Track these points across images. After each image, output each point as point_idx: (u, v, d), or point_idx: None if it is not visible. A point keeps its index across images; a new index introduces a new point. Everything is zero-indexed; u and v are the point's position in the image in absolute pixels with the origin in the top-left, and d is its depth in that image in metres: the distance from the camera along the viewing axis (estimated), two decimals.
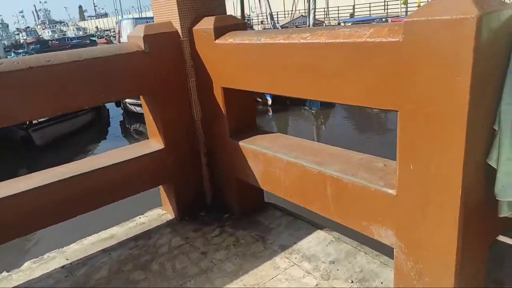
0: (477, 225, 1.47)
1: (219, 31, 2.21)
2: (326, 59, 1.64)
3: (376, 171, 1.74)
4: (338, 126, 12.12)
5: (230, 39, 2.13)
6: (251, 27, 22.17)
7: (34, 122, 11.22)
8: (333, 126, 12.25)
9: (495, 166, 1.36)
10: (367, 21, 21.65)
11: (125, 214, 2.83)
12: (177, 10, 2.30)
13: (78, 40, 54.44)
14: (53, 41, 55.06)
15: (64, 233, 3.40)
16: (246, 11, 35.25)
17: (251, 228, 2.48)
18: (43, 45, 50.01)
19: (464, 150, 1.27)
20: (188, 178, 2.63)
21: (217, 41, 2.20)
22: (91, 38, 55.21)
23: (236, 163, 2.40)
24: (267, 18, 15.39)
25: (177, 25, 2.36)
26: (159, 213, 2.80)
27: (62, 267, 2.27)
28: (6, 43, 61.12)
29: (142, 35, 2.24)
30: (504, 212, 1.43)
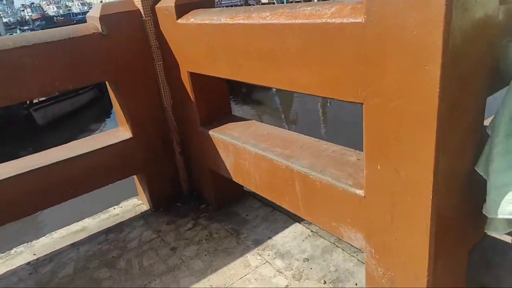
0: (454, 231, 1.30)
1: (181, 9, 1.99)
2: (285, 42, 1.43)
3: (347, 167, 1.56)
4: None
5: (192, 18, 1.92)
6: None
7: (35, 101, 11.17)
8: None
9: (484, 176, 1.17)
10: None
11: (104, 203, 2.74)
12: None
13: (83, 16, 53.69)
14: (58, 17, 54.45)
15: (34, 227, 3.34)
16: None
17: (227, 221, 2.34)
18: (48, 22, 49.49)
19: (434, 151, 1.09)
20: (161, 168, 2.49)
21: (179, 20, 1.99)
22: None
23: (208, 153, 2.24)
24: None
25: (138, 3, 2.14)
26: (135, 203, 2.68)
27: (28, 263, 2.18)
28: (11, 19, 60.76)
29: (99, 16, 2.04)
30: (491, 230, 1.24)
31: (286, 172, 1.70)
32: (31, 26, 42.66)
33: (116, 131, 2.43)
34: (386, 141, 1.21)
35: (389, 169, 1.24)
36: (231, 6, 19.93)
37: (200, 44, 1.92)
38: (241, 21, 1.60)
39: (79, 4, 68.74)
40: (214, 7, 2.13)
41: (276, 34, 1.46)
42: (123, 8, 2.12)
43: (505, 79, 1.16)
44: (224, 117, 2.30)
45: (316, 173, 1.56)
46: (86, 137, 2.41)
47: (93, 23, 2.10)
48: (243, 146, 1.93)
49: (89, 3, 71.89)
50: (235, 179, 2.11)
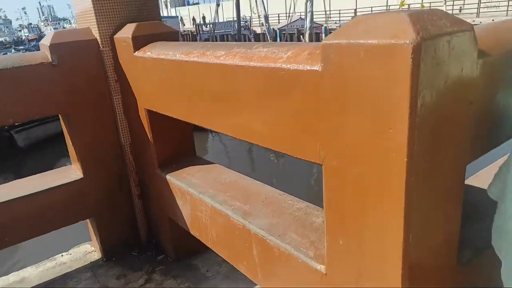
0: None
1: (139, 41, 1.81)
2: (239, 86, 1.24)
3: (311, 231, 1.33)
4: None
5: (149, 51, 1.74)
6: (248, 29, 21.75)
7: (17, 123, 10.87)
8: None
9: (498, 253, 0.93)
10: None
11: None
12: (93, 13, 1.90)
13: None
14: None
15: None
16: (248, 13, 34.98)
17: (184, 277, 2.07)
18: None
19: (403, 226, 0.87)
20: (116, 213, 2.23)
21: (136, 53, 1.80)
22: None
23: (166, 200, 2.00)
24: (264, 20, 14.97)
25: (96, 33, 1.96)
26: (86, 250, 2.40)
27: None
28: (8, 39, 61.08)
29: (49, 44, 1.85)
30: None
31: (243, 232, 1.47)
32: (26, 46, 42.79)
33: (67, 170, 2.19)
34: (348, 212, 0.99)
35: (352, 245, 1.02)
36: (225, 35, 20.23)
37: (156, 80, 1.73)
38: (195, 59, 1.41)
39: (77, 26, 69.50)
40: (178, 40, 1.96)
41: (230, 76, 1.27)
42: (78, 37, 1.94)
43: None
44: (186, 159, 2.08)
45: (275, 238, 1.33)
46: (33, 176, 2.16)
47: (44, 51, 1.90)
48: (199, 197, 1.70)
49: None
50: (192, 231, 1.86)
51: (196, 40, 24.24)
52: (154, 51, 1.71)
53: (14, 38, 63.13)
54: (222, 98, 1.34)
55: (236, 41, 17.02)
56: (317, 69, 0.96)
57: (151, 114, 1.91)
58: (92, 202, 2.13)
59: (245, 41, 20.36)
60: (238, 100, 1.27)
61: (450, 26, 0.82)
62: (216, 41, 21.46)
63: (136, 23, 1.87)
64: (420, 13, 0.82)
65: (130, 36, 1.80)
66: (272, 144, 1.19)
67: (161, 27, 1.90)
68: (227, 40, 19.76)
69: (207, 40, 19.30)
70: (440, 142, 0.87)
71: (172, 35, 1.91)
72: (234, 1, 16.53)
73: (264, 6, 14.58)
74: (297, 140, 1.09)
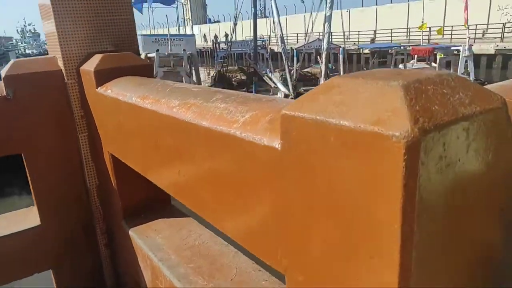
0: None
1: (103, 76, 1.56)
2: (192, 146, 0.97)
3: None
4: None
5: (109, 89, 1.49)
6: (265, 48, 21.71)
7: None
8: None
9: None
10: (386, 48, 20.91)
11: None
12: (57, 40, 1.68)
13: None
14: None
15: None
16: (267, 32, 35.21)
17: None
18: None
19: None
20: (79, 264, 1.96)
21: (98, 89, 1.56)
22: None
23: (129, 258, 1.72)
24: (279, 41, 14.86)
25: (61, 62, 1.74)
26: None
27: None
28: (35, 51, 63.25)
29: (3, 76, 1.63)
30: None
31: None
32: None
33: (27, 213, 1.94)
34: None
35: None
36: (242, 54, 20.23)
37: (116, 123, 1.47)
38: (149, 106, 1.15)
39: None
40: (152, 74, 1.72)
41: (183, 133, 0.99)
42: (40, 67, 1.72)
43: None
44: (158, 208, 1.80)
45: None
46: None
47: (1, 83, 1.68)
48: (159, 265, 1.41)
49: None
50: None
51: (213, 58, 24.36)
52: (114, 89, 1.46)
53: (41, 50, 65.34)
54: (175, 156, 1.07)
55: (251, 59, 16.97)
56: (276, 146, 0.67)
57: (114, 158, 1.65)
58: (51, 251, 1.87)
59: (261, 60, 20.30)
60: (191, 161, 0.99)
61: (470, 104, 0.52)
62: (233, 59, 21.52)
63: (101, 54, 1.63)
64: (422, 82, 0.52)
65: (92, 69, 1.55)
66: (225, 228, 0.90)
67: (130, 59, 1.65)
68: (244, 58, 19.77)
69: (223, 58, 19.32)
70: (449, 262, 0.57)
71: (144, 69, 1.66)
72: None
73: (280, 27, 14.48)
74: (254, 234, 0.80)
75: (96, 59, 1.62)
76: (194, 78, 14.93)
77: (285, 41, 16.02)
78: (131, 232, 1.64)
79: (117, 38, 1.79)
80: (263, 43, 23.80)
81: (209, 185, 0.93)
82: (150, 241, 1.55)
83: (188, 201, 1.04)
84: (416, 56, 19.53)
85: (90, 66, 1.63)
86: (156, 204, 1.82)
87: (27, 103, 1.70)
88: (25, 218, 1.89)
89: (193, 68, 14.66)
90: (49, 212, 1.84)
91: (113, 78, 1.58)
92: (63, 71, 1.73)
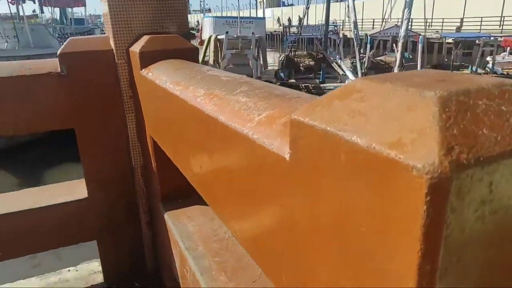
0: None
1: (147, 58, 1.55)
2: (211, 141, 0.89)
3: None
4: None
5: (151, 72, 1.46)
6: (337, 34, 20.87)
7: None
8: None
9: None
10: (473, 38, 18.95)
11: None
12: (109, 20, 1.69)
13: None
14: None
15: None
16: (341, 17, 33.86)
17: None
18: None
19: None
20: (121, 239, 2.03)
21: (142, 71, 1.55)
22: (190, 31, 58.35)
23: (165, 241, 1.73)
24: (353, 26, 14.13)
25: (112, 42, 1.76)
26: (93, 269, 2.24)
27: None
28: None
29: (58, 53, 1.69)
30: None
31: None
32: None
33: (75, 185, 2.04)
34: None
35: None
36: (313, 38, 19.69)
37: (154, 107, 1.45)
38: (178, 93, 1.09)
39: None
40: (197, 57, 1.67)
41: (204, 126, 0.92)
42: (93, 47, 1.75)
43: None
44: (195, 195, 1.77)
45: None
46: (39, 187, 2.05)
47: (55, 60, 1.75)
48: (185, 254, 1.38)
49: None
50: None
51: (283, 42, 24.07)
52: (155, 72, 1.43)
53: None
54: (198, 149, 1.01)
55: (321, 45, 16.46)
56: (285, 156, 0.57)
57: (154, 141, 1.64)
58: (95, 225, 1.95)
59: (332, 45, 19.56)
60: (210, 156, 0.92)
61: None
62: (303, 43, 21.08)
63: (149, 35, 1.62)
64: (471, 94, 0.38)
65: (138, 51, 1.54)
66: (234, 230, 0.82)
67: (176, 42, 1.61)
68: (313, 44, 19.22)
69: (293, 42, 18.96)
70: None
71: (189, 52, 1.61)
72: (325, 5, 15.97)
73: (354, 11, 13.74)
74: (260, 245, 0.71)
75: (143, 41, 1.61)
76: (262, 62, 14.90)
77: (360, 26, 15.23)
78: (166, 216, 1.64)
79: (168, 19, 1.77)
80: (335, 28, 22.90)
81: (223, 183, 0.85)
82: (181, 227, 1.53)
83: (206, 196, 0.98)
84: (508, 48, 17.50)
85: (137, 47, 1.62)
86: (194, 191, 1.80)
87: (80, 81, 1.75)
88: (73, 190, 1.99)
89: (260, 51, 14.61)
90: (95, 186, 1.91)
91: (157, 60, 1.56)
92: (114, 51, 1.75)
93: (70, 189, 1.99)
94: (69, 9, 33.45)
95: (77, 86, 1.75)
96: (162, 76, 1.30)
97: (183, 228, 1.54)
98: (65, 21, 32.84)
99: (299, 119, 0.51)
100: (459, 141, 0.35)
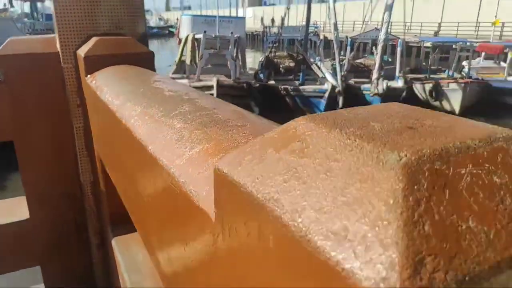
0: None
1: (94, 63, 1.35)
2: (142, 173, 0.72)
3: None
4: None
5: (94, 80, 1.27)
6: (317, 35, 20.91)
7: None
8: None
9: None
10: (450, 43, 19.32)
11: None
12: (55, 20, 1.49)
13: (157, 30, 57.12)
14: None
15: None
16: (322, 19, 33.97)
17: None
18: None
19: None
20: (69, 263, 1.82)
21: (87, 77, 1.35)
22: (170, 29, 57.54)
23: (114, 267, 1.54)
24: (333, 28, 14.10)
25: (58, 44, 1.55)
26: None
27: None
28: None
29: None
30: None
31: None
32: None
33: (16, 202, 1.82)
34: None
35: None
36: (294, 40, 19.63)
37: (96, 119, 1.26)
38: (115, 109, 0.91)
39: (157, 19, 72.65)
40: (152, 63, 1.48)
41: (136, 153, 0.75)
42: (35, 49, 1.54)
43: None
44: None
45: None
46: None
47: None
48: None
49: (167, 19, 76.31)
50: None
51: (263, 42, 23.92)
52: (99, 80, 1.24)
53: None
54: (131, 176, 0.83)
55: (301, 46, 16.39)
56: (211, 216, 0.40)
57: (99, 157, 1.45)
58: (39, 247, 1.74)
59: (312, 47, 19.55)
60: (143, 189, 0.75)
61: None
62: (283, 45, 20.98)
63: (99, 37, 1.42)
64: (448, 158, 0.23)
65: (83, 55, 1.35)
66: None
67: (129, 46, 1.42)
68: (294, 45, 19.11)
69: (274, 43, 18.79)
70: None
71: (143, 58, 1.43)
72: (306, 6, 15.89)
73: (334, 13, 13.72)
74: None
75: (90, 43, 1.41)
76: (240, 62, 14.70)
77: (341, 28, 15.24)
78: (114, 242, 1.45)
79: (119, 19, 1.57)
80: (316, 29, 22.93)
81: (153, 222, 0.69)
82: (128, 258, 1.35)
83: (138, 228, 0.82)
84: (483, 53, 17.90)
85: (83, 50, 1.42)
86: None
87: (20, 87, 1.54)
88: (12, 210, 1.77)
89: (239, 52, 14.41)
90: (38, 206, 1.70)
91: (107, 65, 1.37)
92: (60, 53, 1.55)
93: (9, 208, 1.77)
94: (40, 5, 32.28)
95: (16, 93, 1.54)
96: (104, 86, 1.11)
97: (131, 258, 1.35)
98: (36, 16, 31.78)
99: (223, 171, 0.35)
100: (433, 248, 0.19)
